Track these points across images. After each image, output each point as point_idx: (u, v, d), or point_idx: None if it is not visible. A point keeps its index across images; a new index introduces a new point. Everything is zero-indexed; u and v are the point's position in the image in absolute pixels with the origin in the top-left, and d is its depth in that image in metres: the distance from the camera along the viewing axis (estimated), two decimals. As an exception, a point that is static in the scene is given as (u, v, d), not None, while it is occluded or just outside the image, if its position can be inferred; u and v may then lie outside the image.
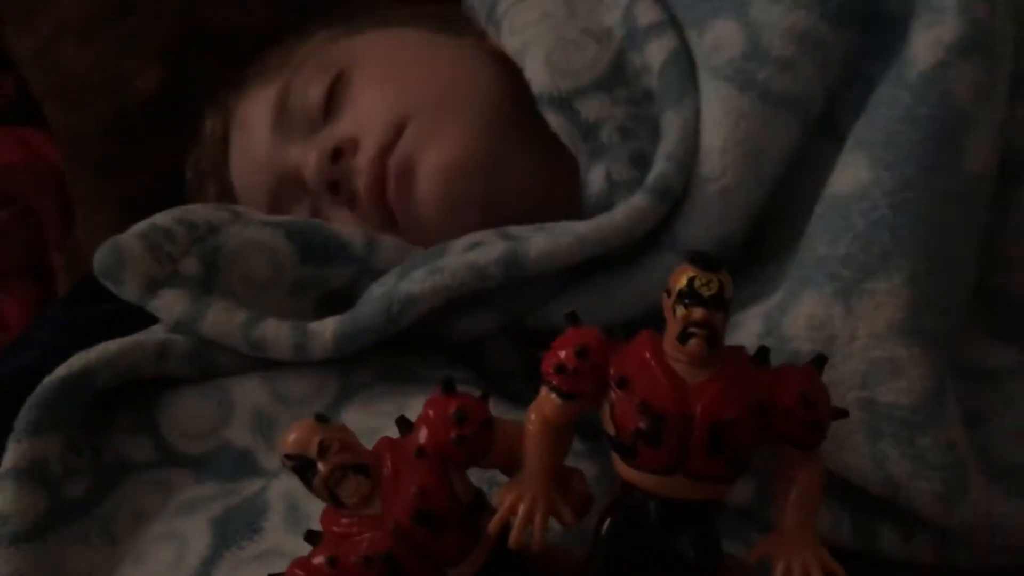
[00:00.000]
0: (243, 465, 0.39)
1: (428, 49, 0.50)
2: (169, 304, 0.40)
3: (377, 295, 0.41)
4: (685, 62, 0.43)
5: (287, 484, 0.37)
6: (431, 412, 0.28)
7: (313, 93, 0.48)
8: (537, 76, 0.45)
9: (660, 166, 0.41)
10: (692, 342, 0.27)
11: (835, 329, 0.36)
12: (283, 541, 0.35)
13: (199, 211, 0.43)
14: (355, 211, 0.47)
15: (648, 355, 0.28)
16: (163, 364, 0.40)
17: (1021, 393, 0.39)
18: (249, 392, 0.40)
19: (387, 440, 0.28)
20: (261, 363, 0.41)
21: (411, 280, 0.40)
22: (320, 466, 0.27)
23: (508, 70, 0.47)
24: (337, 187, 0.46)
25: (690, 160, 0.41)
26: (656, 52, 0.43)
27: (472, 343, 0.44)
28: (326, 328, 0.40)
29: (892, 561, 0.37)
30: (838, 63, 0.41)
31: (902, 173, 0.37)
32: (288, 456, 0.27)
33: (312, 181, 0.46)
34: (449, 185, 0.45)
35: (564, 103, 0.44)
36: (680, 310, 0.27)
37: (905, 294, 0.36)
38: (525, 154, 0.46)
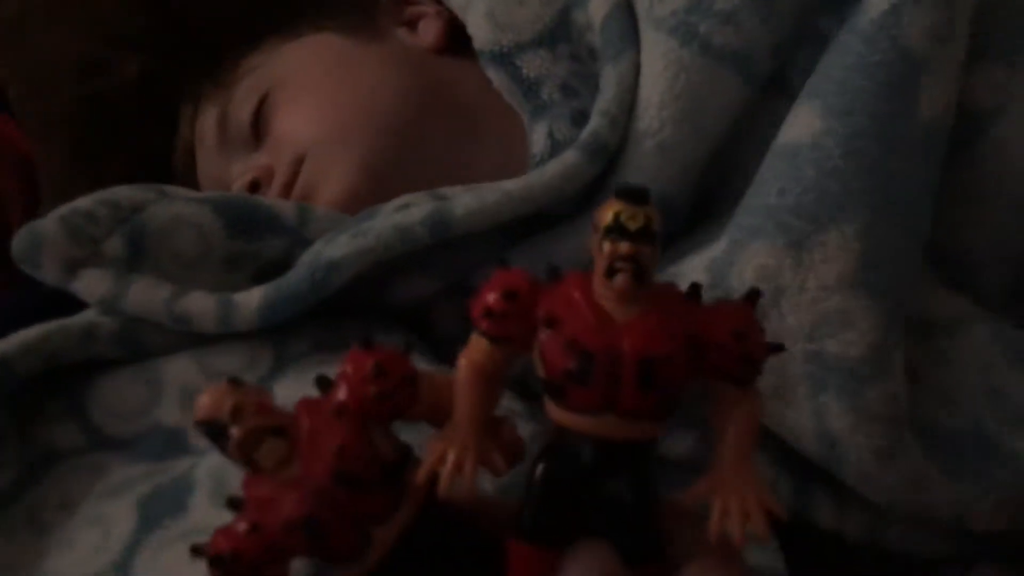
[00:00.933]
0: (172, 444, 0.38)
1: (345, 66, 0.51)
2: (90, 284, 0.39)
3: (303, 262, 0.40)
4: (627, 16, 0.42)
5: (215, 460, 0.36)
6: (349, 368, 0.27)
7: (243, 117, 0.50)
8: (479, 31, 0.45)
9: (593, 122, 0.40)
10: (618, 277, 0.26)
11: (784, 280, 0.36)
12: (209, 517, 0.34)
13: (123, 191, 0.42)
14: None
15: (577, 294, 0.27)
16: (89, 347, 0.39)
17: (953, 350, 0.38)
18: (178, 370, 0.39)
19: (306, 400, 0.27)
20: (192, 340, 0.40)
21: (335, 244, 0.39)
22: (234, 431, 0.25)
23: (446, 60, 0.48)
24: None
25: (626, 116, 0.40)
26: (598, 7, 0.42)
27: (416, 309, 0.43)
28: (251, 299, 0.39)
29: (825, 533, 0.37)
30: (787, 18, 0.40)
31: (854, 122, 0.36)
32: (200, 422, 0.26)
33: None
34: (347, 211, 0.44)
35: (505, 58, 0.44)
36: (606, 245, 0.26)
37: (856, 247, 0.35)
38: (465, 137, 0.47)
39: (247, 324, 0.39)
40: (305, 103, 0.49)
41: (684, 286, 0.37)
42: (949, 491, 0.35)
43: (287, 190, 0.48)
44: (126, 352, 0.40)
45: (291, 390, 0.37)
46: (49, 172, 0.58)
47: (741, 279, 0.37)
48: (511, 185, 0.40)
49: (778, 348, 0.28)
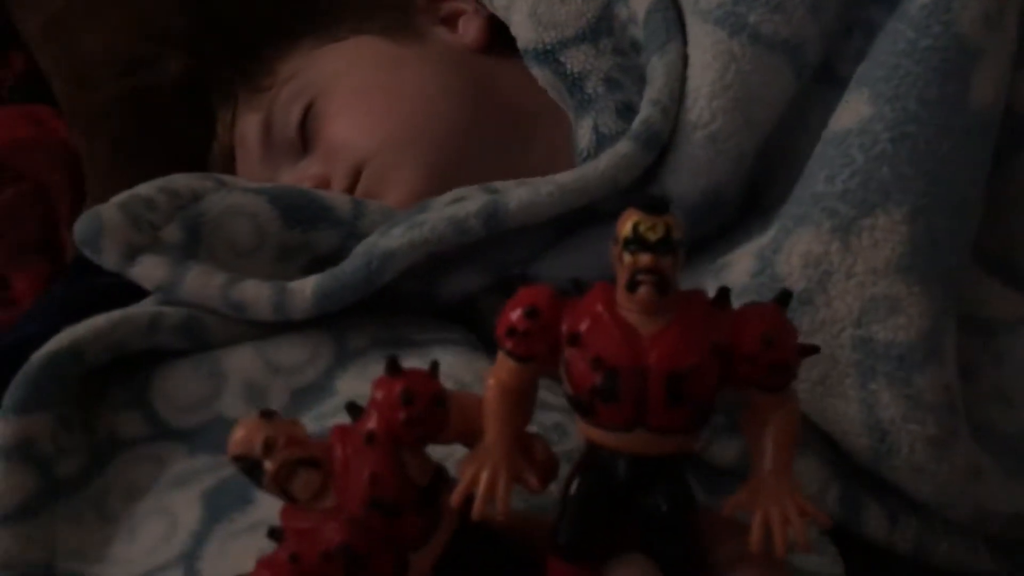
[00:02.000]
0: None
1: (392, 71, 0.50)
2: (148, 270, 0.39)
3: (358, 252, 0.40)
4: (671, 8, 0.42)
5: None
6: (378, 395, 0.27)
7: (290, 125, 0.49)
8: (522, 31, 0.45)
9: (645, 112, 0.40)
10: (641, 290, 0.26)
11: (831, 266, 0.35)
12: (274, 511, 0.34)
13: (182, 180, 0.42)
14: None
15: (600, 308, 0.27)
16: (154, 337, 0.39)
17: (1011, 351, 0.37)
18: (241, 362, 0.40)
19: (339, 428, 0.27)
20: (254, 332, 0.40)
21: (390, 236, 0.40)
22: (267, 464, 0.26)
23: (488, 59, 0.48)
24: None
25: (676, 106, 0.40)
26: (641, 0, 0.42)
27: (466, 305, 0.43)
28: (306, 286, 0.39)
29: (874, 546, 0.36)
30: (836, 6, 0.40)
31: (904, 107, 0.36)
32: (234, 458, 0.26)
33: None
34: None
35: (549, 55, 0.44)
36: (627, 257, 0.26)
37: (904, 230, 0.35)
38: (514, 136, 0.47)
39: (302, 312, 0.39)
40: (356, 110, 0.49)
41: (733, 276, 0.37)
42: (1005, 485, 0.34)
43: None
44: (190, 342, 0.40)
45: (353, 385, 0.39)
46: (93, 166, 0.58)
47: (789, 264, 0.36)
48: (564, 178, 0.40)
49: (812, 350, 0.27)
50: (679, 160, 0.40)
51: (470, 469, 0.27)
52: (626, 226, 0.26)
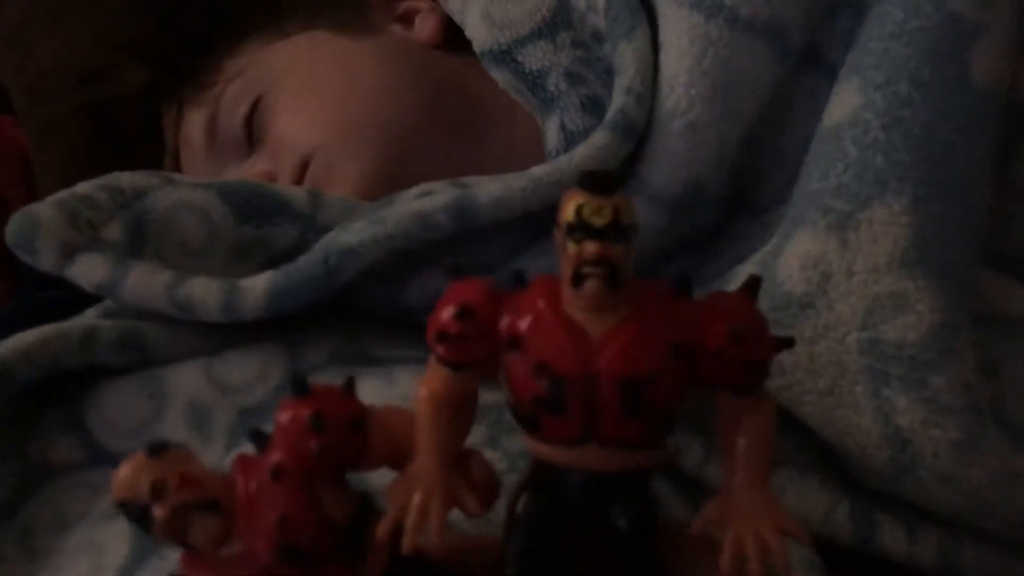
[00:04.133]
0: None
1: (342, 63, 0.49)
2: (87, 269, 0.37)
3: (316, 248, 0.38)
4: None
5: None
6: (283, 420, 0.23)
7: (236, 121, 0.48)
8: (477, 33, 0.44)
9: (619, 100, 0.38)
10: (588, 284, 0.22)
11: (830, 266, 0.34)
12: None
13: (126, 177, 0.40)
14: None
15: (542, 305, 0.23)
16: (89, 353, 0.37)
17: None
18: (184, 381, 0.37)
19: (241, 459, 0.24)
20: (199, 346, 0.38)
21: (350, 231, 0.37)
22: (156, 510, 0.22)
23: (445, 57, 0.47)
24: None
25: (650, 93, 0.38)
26: None
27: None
28: (258, 283, 0.37)
29: (891, 564, 0.34)
30: None
31: (895, 91, 0.34)
32: (119, 503, 0.22)
33: None
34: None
35: (506, 56, 0.43)
36: (571, 247, 0.22)
37: (906, 221, 0.33)
38: (469, 133, 0.46)
39: (254, 311, 0.36)
40: (305, 104, 0.47)
41: (734, 287, 0.34)
42: None
43: None
44: (129, 359, 0.38)
45: None
46: (46, 179, 0.56)
47: (788, 267, 0.34)
48: (538, 171, 0.38)
49: (787, 343, 0.24)
50: (657, 151, 0.38)
51: (399, 493, 0.24)
52: (568, 210, 0.22)
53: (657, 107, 0.38)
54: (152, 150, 0.55)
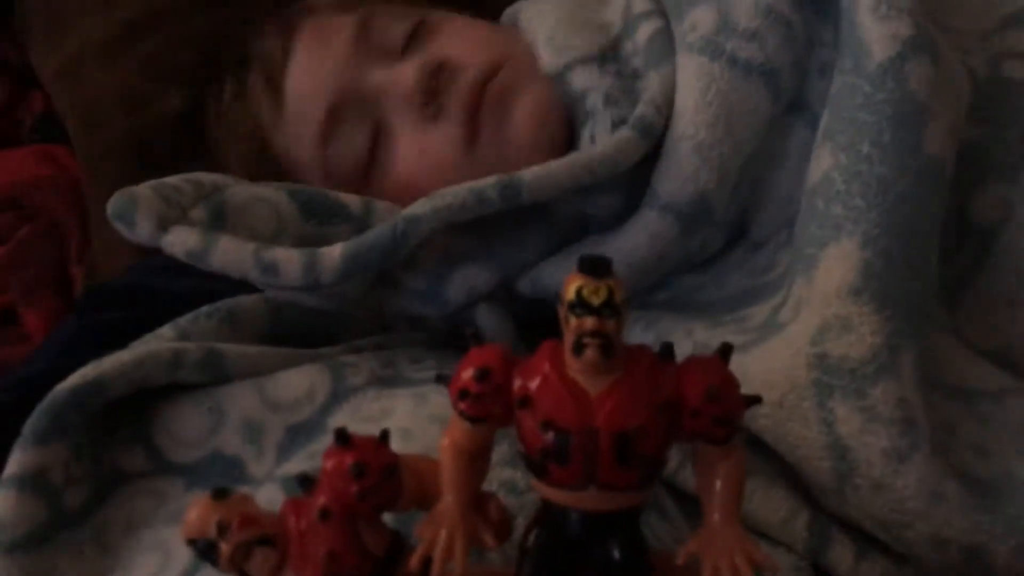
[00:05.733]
0: (232, 473, 0.40)
1: (492, 29, 0.54)
2: (181, 238, 0.40)
3: (383, 223, 0.42)
4: (667, 40, 0.47)
5: (272, 492, 0.37)
6: (328, 467, 0.27)
7: (396, 29, 0.50)
8: (544, 57, 0.49)
9: (640, 109, 0.44)
10: (587, 352, 0.26)
11: (801, 299, 0.38)
12: None
13: (206, 175, 0.44)
14: (436, 124, 0.48)
15: (548, 368, 0.27)
16: (175, 372, 0.40)
17: (996, 416, 0.38)
18: (239, 398, 0.41)
19: (291, 502, 0.27)
20: (261, 368, 0.41)
21: (415, 206, 0.42)
22: (223, 546, 0.26)
23: None
24: (431, 97, 0.48)
25: (668, 107, 0.44)
26: (644, 32, 0.47)
27: (465, 320, 0.44)
28: (334, 250, 0.41)
29: None
30: (802, 42, 0.44)
31: (857, 151, 0.39)
32: (189, 540, 0.26)
33: (409, 91, 0.48)
34: (537, 123, 0.48)
35: (560, 76, 0.48)
36: (572, 320, 0.26)
37: (856, 256, 0.37)
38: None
39: (331, 273, 0.40)
40: (483, 35, 0.51)
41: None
42: (967, 514, 0.35)
43: (486, 80, 0.48)
44: (207, 379, 0.41)
45: (344, 423, 0.39)
46: (95, 205, 0.59)
47: (785, 312, 0.39)
48: (571, 156, 0.43)
49: (755, 400, 0.28)
50: (670, 169, 0.43)
51: (427, 532, 0.28)
52: (570, 290, 0.26)
53: (670, 132, 0.44)
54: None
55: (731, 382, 0.27)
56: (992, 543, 0.35)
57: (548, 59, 0.48)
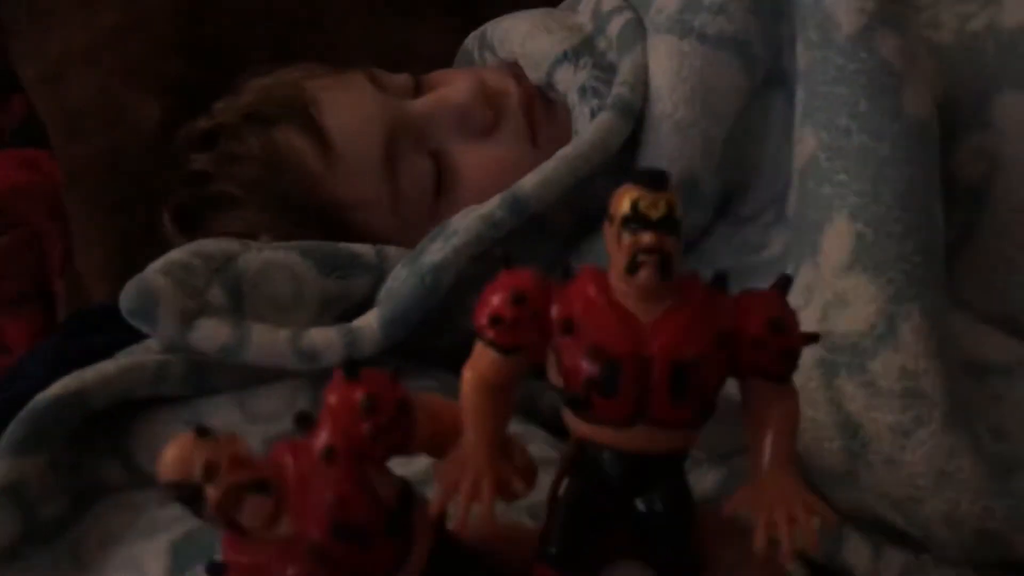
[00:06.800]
0: None
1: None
2: (210, 334, 0.39)
3: (403, 277, 0.41)
4: (637, 27, 0.47)
5: None
6: (334, 403, 0.23)
7: (399, 78, 0.52)
8: (529, 73, 0.49)
9: (615, 90, 0.44)
10: (642, 272, 0.23)
11: (811, 285, 0.38)
12: None
13: (210, 244, 0.43)
14: (495, 134, 0.49)
15: (593, 292, 0.24)
16: (159, 385, 0.39)
17: (1008, 393, 0.38)
18: (219, 411, 0.40)
19: (286, 444, 0.23)
20: (243, 382, 0.40)
21: (430, 252, 0.42)
22: (210, 491, 0.21)
23: None
24: (489, 106, 0.49)
25: (643, 86, 0.44)
26: (614, 26, 0.48)
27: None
28: (370, 320, 0.40)
29: None
30: (768, 12, 0.44)
31: (836, 125, 0.39)
32: (169, 484, 0.21)
33: (467, 103, 0.49)
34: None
35: (547, 86, 0.49)
36: (626, 237, 0.23)
37: (845, 230, 0.37)
38: None
39: (373, 345, 0.40)
40: (478, 74, 0.52)
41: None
42: (980, 493, 0.34)
43: (531, 90, 0.50)
44: (191, 391, 0.40)
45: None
46: (74, 218, 0.57)
47: (794, 298, 0.37)
48: (561, 152, 0.43)
49: (813, 338, 0.26)
50: (653, 151, 0.43)
51: (451, 475, 0.24)
52: (623, 203, 0.23)
53: (648, 114, 0.43)
54: (167, 192, 0.53)
55: (792, 313, 0.25)
56: (1007, 525, 0.34)
57: (531, 74, 0.49)
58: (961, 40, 0.44)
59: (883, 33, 0.39)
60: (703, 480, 0.37)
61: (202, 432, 0.22)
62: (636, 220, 0.23)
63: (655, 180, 0.23)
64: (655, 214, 0.23)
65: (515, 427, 0.37)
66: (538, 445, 0.37)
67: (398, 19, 0.63)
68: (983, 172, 0.42)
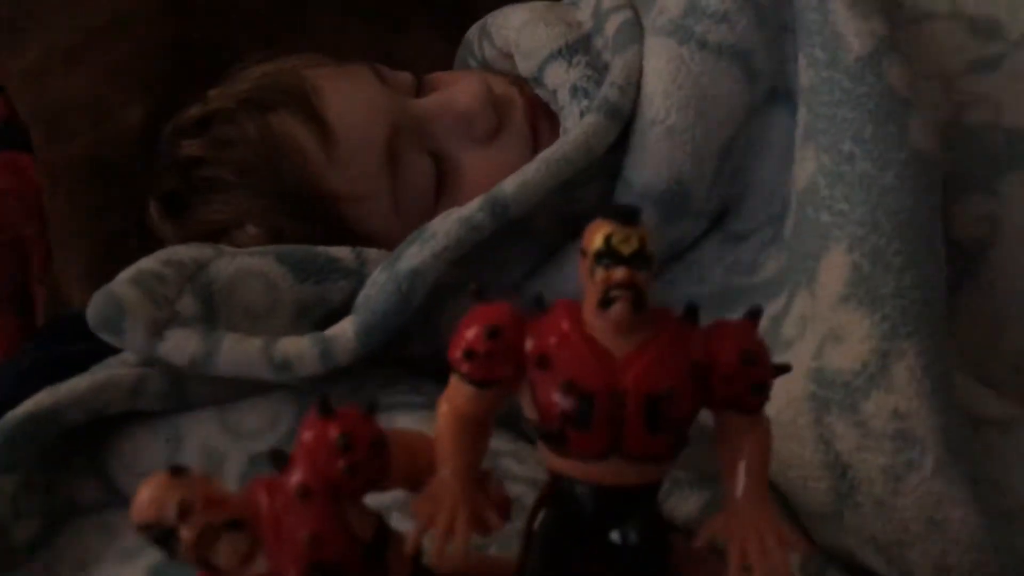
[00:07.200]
0: None
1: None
2: (179, 345, 0.38)
3: (380, 282, 0.40)
4: (635, 27, 0.46)
5: None
6: (309, 440, 0.23)
7: (402, 75, 0.51)
8: (519, 64, 0.49)
9: (603, 91, 0.43)
10: (616, 307, 0.23)
11: (806, 315, 0.37)
12: None
13: (182, 250, 0.42)
14: (499, 138, 0.49)
15: (567, 327, 0.24)
16: (136, 400, 0.38)
17: (1004, 446, 0.37)
18: (200, 427, 0.39)
19: (261, 481, 0.23)
20: (224, 398, 0.39)
21: (407, 257, 0.40)
22: (184, 531, 0.21)
23: None
24: (496, 110, 0.49)
25: (633, 89, 0.43)
26: (612, 24, 0.47)
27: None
28: (345, 328, 0.39)
29: None
30: (774, 25, 0.43)
31: (839, 150, 0.38)
32: (143, 526, 0.21)
33: (476, 106, 0.48)
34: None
35: (536, 80, 0.48)
36: (599, 272, 0.24)
37: (843, 262, 0.36)
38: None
39: (348, 354, 0.38)
40: (480, 75, 0.51)
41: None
42: (970, 546, 0.32)
43: (538, 110, 0.49)
44: (169, 406, 0.39)
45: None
46: (53, 220, 0.56)
47: (788, 329, 0.38)
48: (544, 154, 0.42)
49: (784, 369, 0.26)
50: (642, 155, 0.42)
51: (425, 509, 0.24)
52: (596, 238, 0.24)
53: (639, 118, 0.42)
54: (146, 196, 0.52)
55: (764, 346, 0.25)
56: (994, 563, 0.32)
57: (522, 65, 0.48)
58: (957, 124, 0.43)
59: (891, 59, 0.38)
60: (685, 503, 0.36)
61: (176, 471, 0.22)
62: (609, 255, 0.23)
63: (627, 215, 0.24)
64: (627, 249, 0.23)
65: (506, 445, 0.37)
66: (529, 464, 0.36)
67: (383, 26, 0.63)
68: (983, 234, 0.41)
